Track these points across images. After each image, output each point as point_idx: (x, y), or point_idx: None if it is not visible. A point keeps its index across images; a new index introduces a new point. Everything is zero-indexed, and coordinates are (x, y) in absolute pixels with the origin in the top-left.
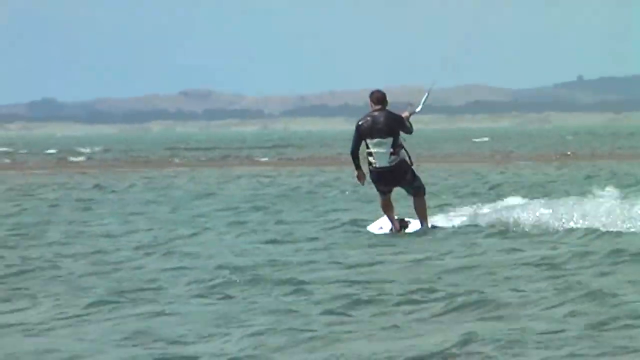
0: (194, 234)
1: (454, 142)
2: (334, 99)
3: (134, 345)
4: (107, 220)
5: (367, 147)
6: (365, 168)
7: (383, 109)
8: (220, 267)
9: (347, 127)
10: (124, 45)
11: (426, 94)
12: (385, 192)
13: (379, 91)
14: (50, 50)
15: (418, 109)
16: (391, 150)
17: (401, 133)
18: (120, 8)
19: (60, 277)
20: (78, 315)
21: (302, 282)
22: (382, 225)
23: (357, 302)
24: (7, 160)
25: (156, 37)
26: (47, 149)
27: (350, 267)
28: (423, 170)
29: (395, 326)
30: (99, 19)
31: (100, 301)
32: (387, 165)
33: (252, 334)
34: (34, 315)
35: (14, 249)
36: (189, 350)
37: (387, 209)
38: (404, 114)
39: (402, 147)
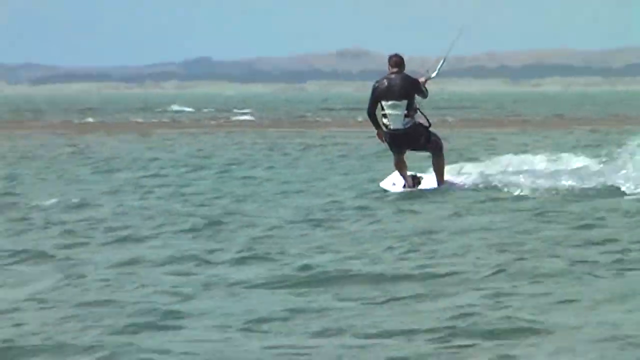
0: (379, 197)
1: (625, 105)
2: (491, 60)
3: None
4: (287, 180)
5: (382, 109)
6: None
7: (400, 72)
8: (420, 232)
9: (505, 88)
10: (280, 5)
11: (442, 60)
12: (399, 152)
13: (397, 55)
14: (205, 9)
15: (434, 75)
16: (405, 112)
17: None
18: None
19: (271, 239)
20: (289, 276)
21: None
22: (394, 181)
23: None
24: (166, 120)
25: None
26: (203, 108)
27: (569, 226)
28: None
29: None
30: None
31: (312, 264)
32: (402, 127)
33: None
34: (239, 275)
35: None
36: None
37: (401, 167)
38: (421, 79)
39: (417, 110)
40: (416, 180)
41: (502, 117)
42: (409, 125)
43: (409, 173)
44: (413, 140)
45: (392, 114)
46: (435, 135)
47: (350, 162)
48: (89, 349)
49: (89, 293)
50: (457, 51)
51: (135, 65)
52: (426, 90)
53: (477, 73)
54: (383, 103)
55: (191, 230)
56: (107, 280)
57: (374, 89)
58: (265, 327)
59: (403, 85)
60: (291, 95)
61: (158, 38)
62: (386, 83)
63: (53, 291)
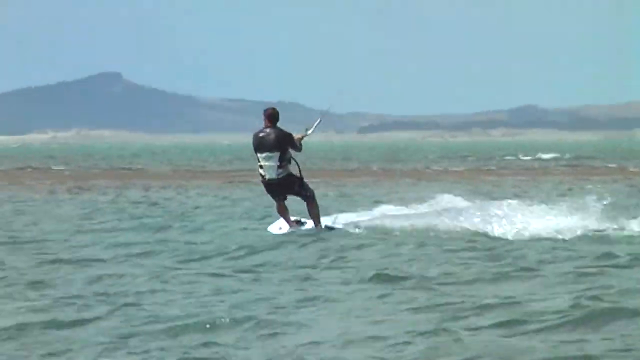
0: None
1: None
2: None
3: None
4: None
5: (258, 160)
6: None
7: (273, 125)
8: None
9: None
10: (605, 53)
11: (319, 119)
12: (278, 199)
13: (271, 109)
14: (532, 58)
15: (310, 132)
16: (278, 164)
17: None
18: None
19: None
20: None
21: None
22: (280, 225)
23: None
24: (493, 167)
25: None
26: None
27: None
28: None
29: None
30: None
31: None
32: (275, 177)
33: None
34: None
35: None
36: None
37: (283, 212)
38: (297, 136)
39: (290, 161)
40: (300, 224)
41: None
42: (282, 175)
43: (292, 218)
44: (286, 188)
45: (266, 165)
46: (306, 184)
47: None
48: None
49: None
50: None
51: (463, 114)
52: (301, 145)
53: None
54: (258, 155)
55: None
56: None
57: (252, 140)
58: None
59: (275, 138)
60: (615, 142)
61: (485, 87)
62: (260, 135)
63: None
